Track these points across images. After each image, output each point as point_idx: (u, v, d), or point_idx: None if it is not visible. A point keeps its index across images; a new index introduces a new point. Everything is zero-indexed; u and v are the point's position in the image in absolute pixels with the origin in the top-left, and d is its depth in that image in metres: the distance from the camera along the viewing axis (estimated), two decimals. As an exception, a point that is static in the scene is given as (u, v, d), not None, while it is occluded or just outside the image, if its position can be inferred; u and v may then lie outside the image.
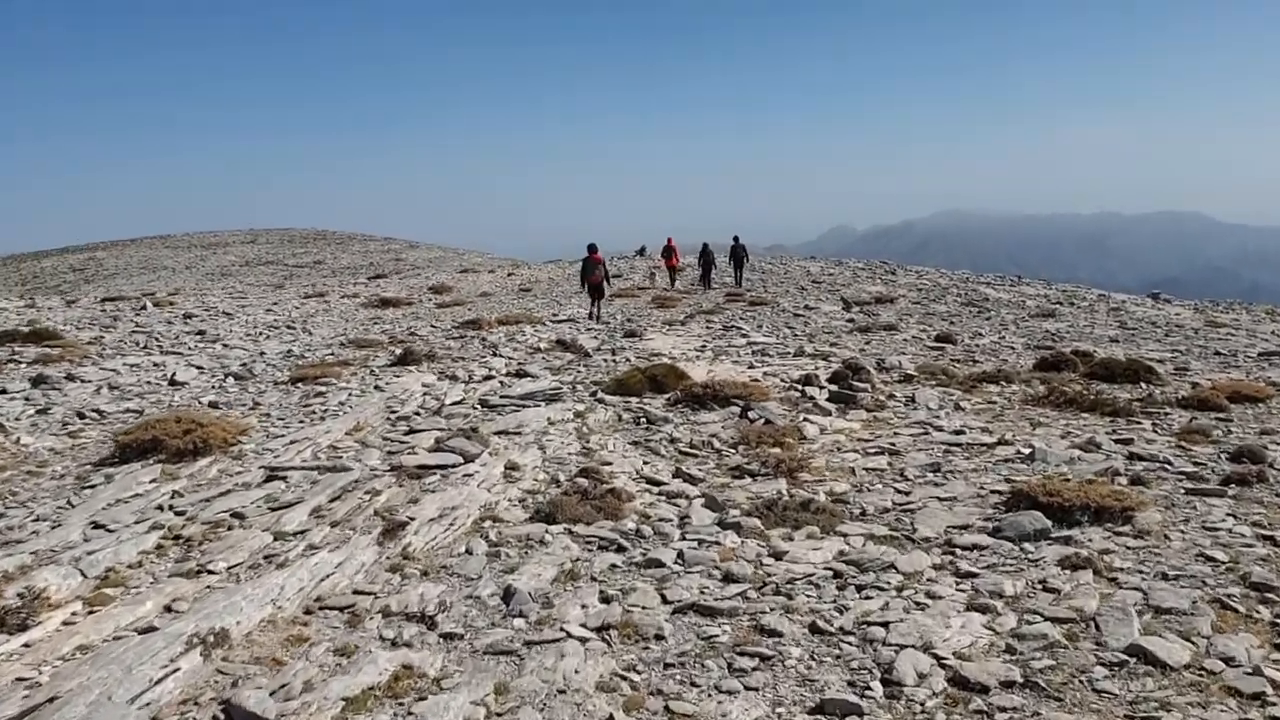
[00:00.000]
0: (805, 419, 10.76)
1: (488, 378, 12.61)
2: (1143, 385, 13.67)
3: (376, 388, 11.69)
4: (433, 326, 20.48)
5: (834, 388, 12.61)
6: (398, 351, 14.29)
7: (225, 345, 16.62)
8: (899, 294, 26.72)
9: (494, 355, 14.74)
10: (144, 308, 26.29)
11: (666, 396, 11.65)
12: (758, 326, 19.63)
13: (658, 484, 8.25)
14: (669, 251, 31.46)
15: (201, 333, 18.46)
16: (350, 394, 11.31)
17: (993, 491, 7.96)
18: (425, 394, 11.39)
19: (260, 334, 18.84)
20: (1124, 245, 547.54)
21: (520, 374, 12.94)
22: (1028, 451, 9.26)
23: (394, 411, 10.40)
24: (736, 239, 32.52)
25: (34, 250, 76.82)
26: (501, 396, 11.20)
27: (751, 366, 14.29)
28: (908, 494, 8.04)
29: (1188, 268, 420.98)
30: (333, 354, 15.21)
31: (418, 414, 10.32)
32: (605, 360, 14.57)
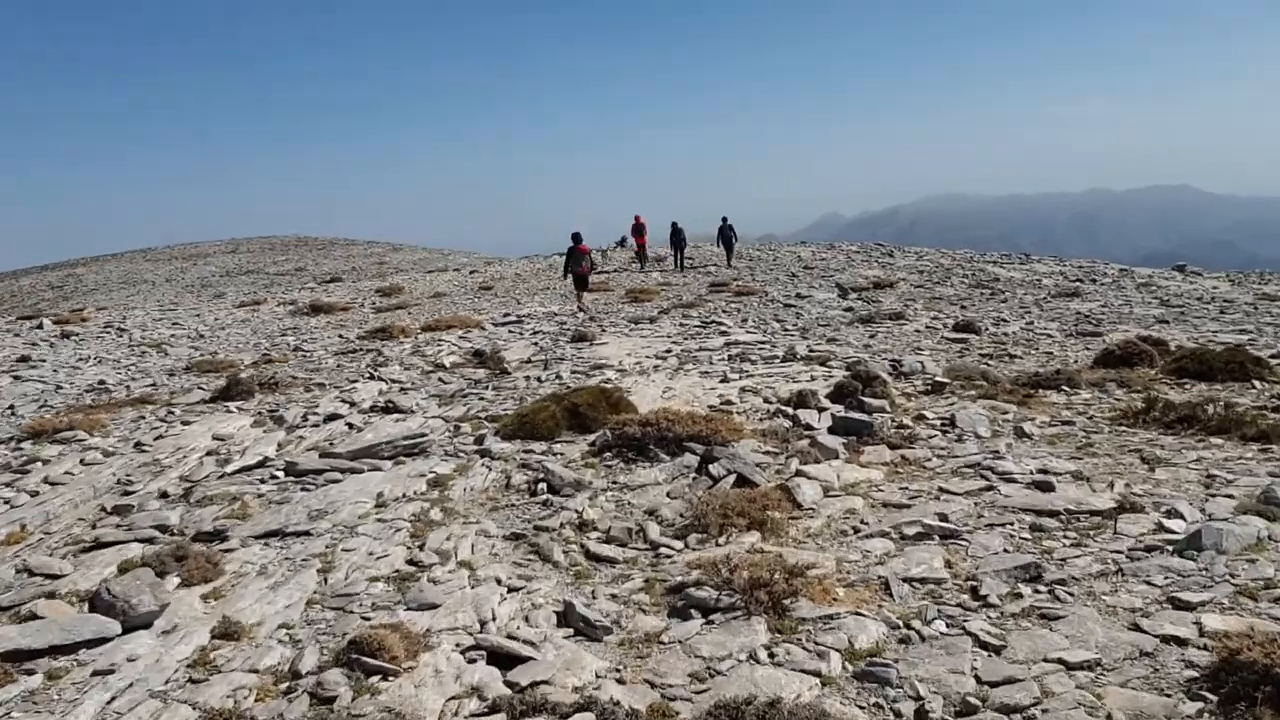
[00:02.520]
0: (798, 469, 6.90)
1: (333, 417, 8.69)
2: (1255, 384, 9.92)
3: (139, 445, 7.70)
4: (340, 337, 16.58)
5: (838, 409, 8.77)
6: (221, 383, 10.28)
7: (16, 378, 12.60)
8: (899, 277, 22.86)
9: (371, 378, 10.82)
10: (39, 326, 22.73)
11: (591, 440, 7.77)
12: (742, 321, 15.78)
13: (512, 660, 4.25)
14: (639, 229, 29.82)
15: (26, 358, 14.51)
16: (87, 458, 7.36)
17: (1166, 640, 4.09)
18: (213, 451, 7.48)
19: (105, 358, 14.84)
20: (1116, 221, 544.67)
21: (388, 408, 9.04)
22: (1179, 527, 5.40)
23: (130, 489, 6.51)
24: (725, 220, 30.03)
25: (12, 269, 73.54)
26: (331, 451, 7.27)
27: (725, 380, 10.40)
28: (998, 648, 4.16)
29: (1183, 241, 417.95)
30: (153, 384, 11.31)
31: (164, 495, 6.41)
32: (527, 379, 10.67)
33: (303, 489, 6.50)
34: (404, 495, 6.36)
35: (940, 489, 6.58)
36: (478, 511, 6.24)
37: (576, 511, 6.15)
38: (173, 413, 9.11)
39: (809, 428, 8.24)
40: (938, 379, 10.25)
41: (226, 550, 5.20)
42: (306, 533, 5.50)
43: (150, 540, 5.41)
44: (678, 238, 29.52)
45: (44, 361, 14.24)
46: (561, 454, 7.43)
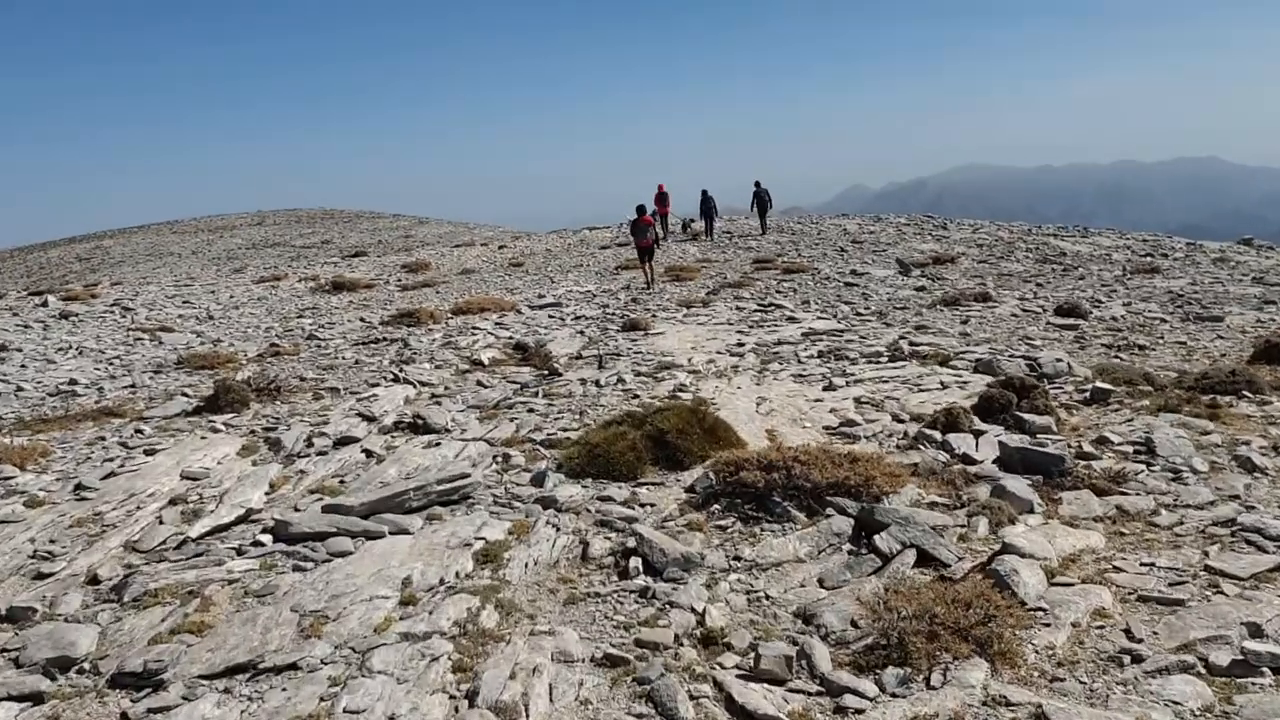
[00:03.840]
0: (996, 536, 4.89)
1: (345, 441, 6.71)
2: None
3: (81, 489, 5.68)
4: (362, 320, 14.62)
5: (996, 430, 6.76)
6: (210, 389, 8.24)
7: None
8: (958, 252, 20.51)
9: (395, 380, 8.83)
10: (44, 304, 20.92)
11: (687, 483, 5.75)
12: (803, 303, 13.65)
13: None
14: (662, 198, 27.66)
15: (3, 348, 12.60)
16: (2, 512, 5.38)
17: None
18: (178, 498, 5.52)
19: (90, 348, 12.86)
20: (1143, 192, 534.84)
21: (417, 426, 7.05)
22: None
23: (48, 568, 4.57)
24: (759, 184, 27.79)
25: (42, 241, 72.42)
26: (339, 503, 5.28)
27: (830, 386, 8.33)
28: None
29: (1211, 213, 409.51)
30: (132, 386, 9.37)
31: (93, 581, 4.46)
32: (583, 383, 8.64)
33: (296, 567, 4.52)
34: (441, 581, 4.36)
35: (1208, 568, 4.55)
36: (548, 606, 4.25)
37: (693, 611, 4.16)
38: (141, 432, 7.13)
39: (969, 460, 6.21)
40: (1096, 385, 8.18)
41: (160, 711, 3.24)
42: (292, 666, 3.53)
43: (34, 698, 3.48)
44: (708, 206, 27.28)
45: (19, 351, 12.28)
46: (651, 504, 5.42)
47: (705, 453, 5.99)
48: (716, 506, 5.30)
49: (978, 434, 6.69)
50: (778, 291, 14.88)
